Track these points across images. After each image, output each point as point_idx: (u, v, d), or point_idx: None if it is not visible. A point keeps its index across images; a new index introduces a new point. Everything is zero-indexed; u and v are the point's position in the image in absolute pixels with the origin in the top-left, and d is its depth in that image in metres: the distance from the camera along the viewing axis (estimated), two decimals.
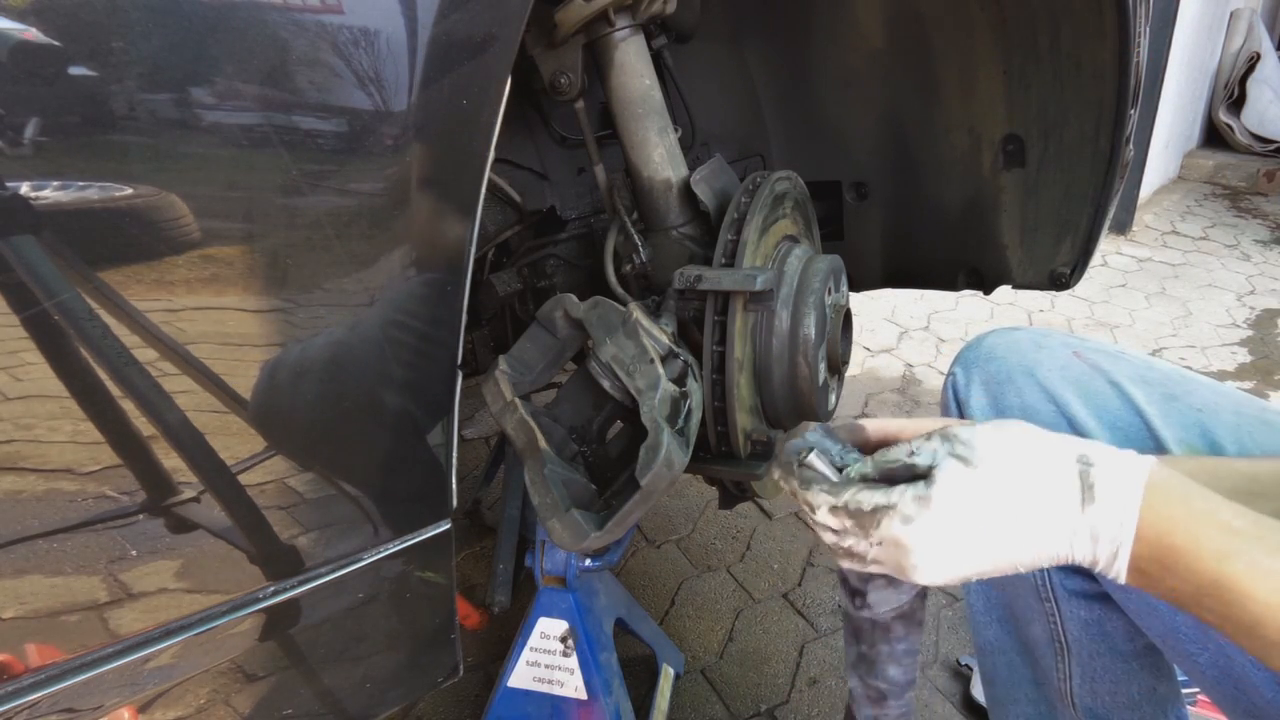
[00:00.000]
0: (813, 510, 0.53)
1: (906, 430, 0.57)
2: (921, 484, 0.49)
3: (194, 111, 0.46)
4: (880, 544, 0.49)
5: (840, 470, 0.54)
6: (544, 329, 0.86)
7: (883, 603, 0.53)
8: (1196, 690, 1.21)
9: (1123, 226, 3.87)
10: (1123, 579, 0.45)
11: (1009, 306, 3.03)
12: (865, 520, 0.50)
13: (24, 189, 0.42)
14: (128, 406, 0.49)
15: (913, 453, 0.50)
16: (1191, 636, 0.68)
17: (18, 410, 0.45)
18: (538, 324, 0.86)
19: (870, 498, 0.50)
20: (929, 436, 0.51)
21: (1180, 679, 0.83)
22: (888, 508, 0.49)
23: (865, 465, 0.53)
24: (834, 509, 0.51)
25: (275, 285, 0.51)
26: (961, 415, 0.82)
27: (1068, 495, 0.45)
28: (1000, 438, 0.48)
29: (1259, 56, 4.98)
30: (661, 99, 0.92)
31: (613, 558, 1.11)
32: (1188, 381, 0.71)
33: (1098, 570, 0.46)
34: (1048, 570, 0.85)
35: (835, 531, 0.52)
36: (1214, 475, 0.57)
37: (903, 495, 0.49)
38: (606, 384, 0.81)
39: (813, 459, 0.53)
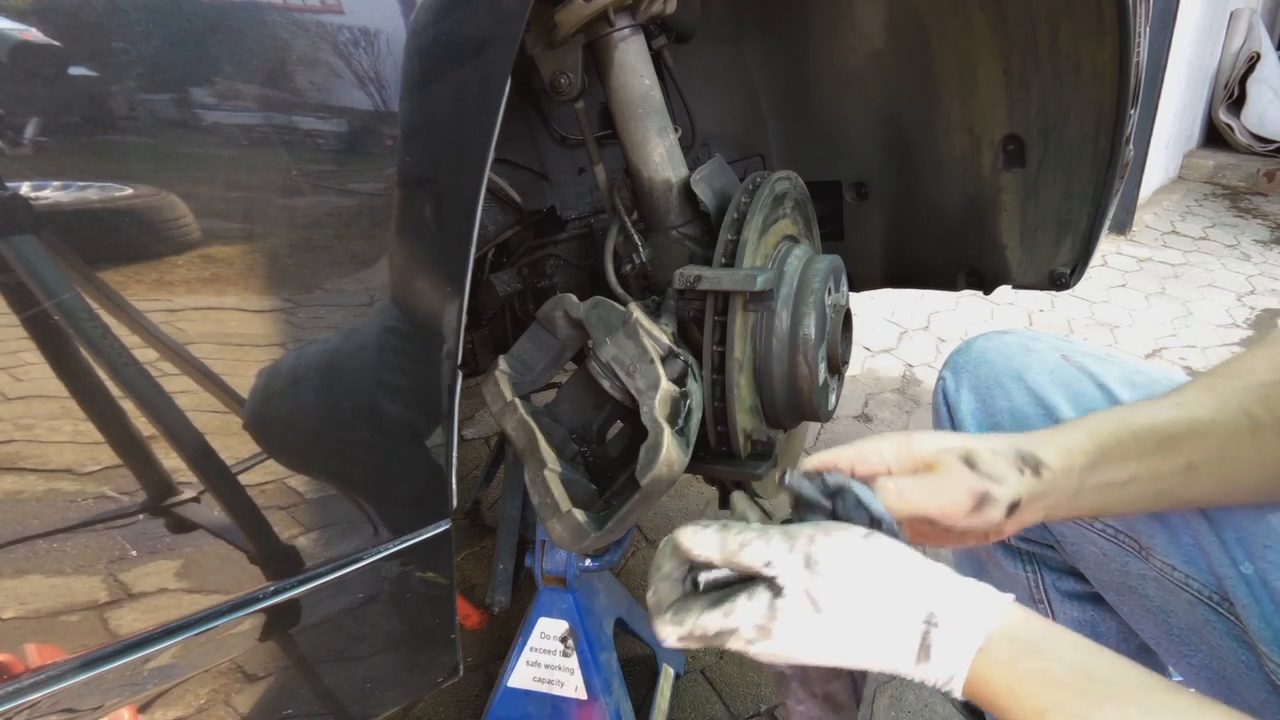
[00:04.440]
0: (664, 640, 0.52)
1: (842, 460, 0.59)
2: (766, 608, 0.48)
3: (194, 111, 0.46)
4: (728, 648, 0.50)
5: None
6: (544, 329, 0.86)
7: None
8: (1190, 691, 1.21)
9: (1123, 226, 3.87)
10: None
11: (1009, 306, 3.03)
12: (714, 640, 0.50)
13: (24, 189, 0.42)
14: (128, 406, 0.49)
15: (769, 563, 0.49)
16: (1184, 638, 0.68)
17: (18, 410, 0.45)
18: (538, 324, 0.86)
19: (714, 622, 0.49)
20: (791, 546, 0.49)
21: (1175, 679, 0.83)
22: (730, 632, 0.49)
23: (717, 571, 0.52)
24: (681, 638, 0.51)
25: (275, 285, 0.51)
26: (952, 419, 0.82)
27: (906, 653, 0.47)
28: (856, 580, 0.47)
29: (1259, 56, 4.98)
30: (661, 99, 0.92)
31: (613, 558, 1.11)
32: (1175, 384, 0.71)
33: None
34: (1040, 571, 0.85)
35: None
36: (1126, 425, 0.59)
37: (744, 620, 0.48)
38: (606, 384, 0.81)
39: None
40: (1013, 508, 0.55)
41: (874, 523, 0.52)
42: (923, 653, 0.46)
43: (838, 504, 0.53)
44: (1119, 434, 0.59)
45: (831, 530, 0.50)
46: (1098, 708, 0.41)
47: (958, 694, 0.46)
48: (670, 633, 0.51)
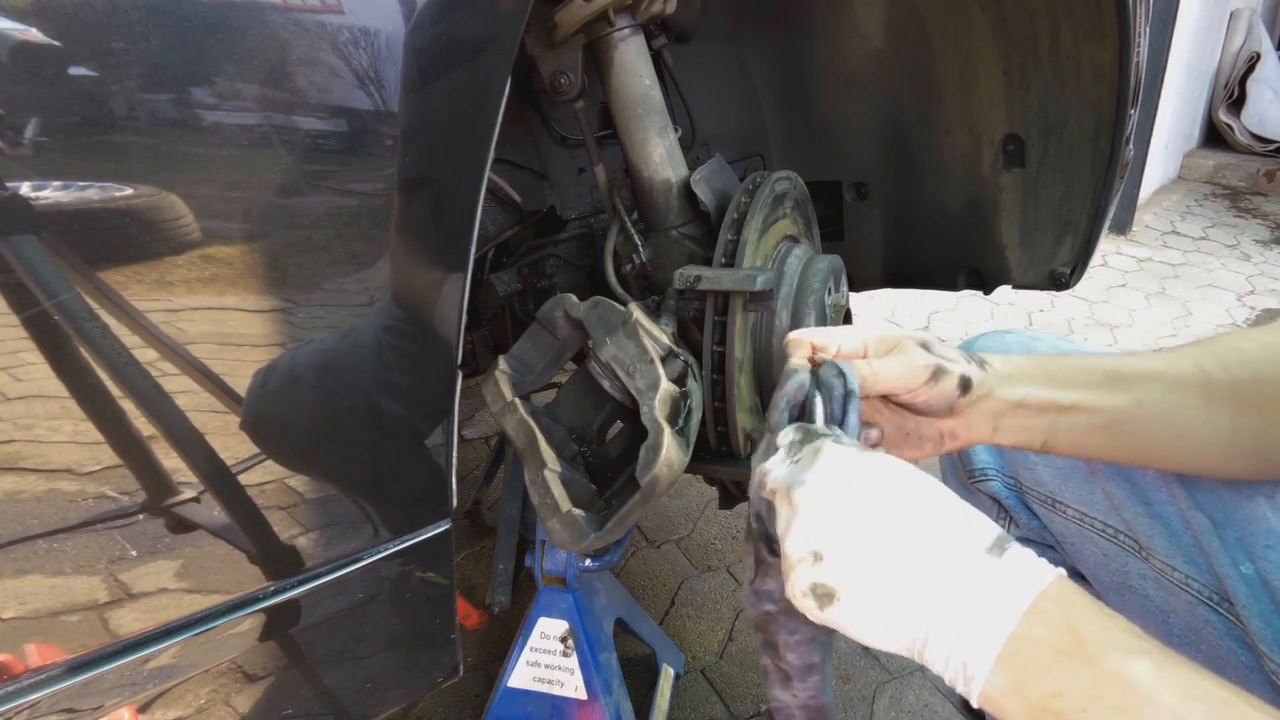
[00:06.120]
0: (773, 434, 0.53)
1: (831, 340, 0.60)
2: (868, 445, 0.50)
3: (194, 111, 0.46)
4: (799, 460, 0.49)
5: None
6: (544, 329, 0.86)
7: (764, 600, 0.54)
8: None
9: (1123, 226, 3.87)
10: (982, 676, 0.41)
11: (1009, 306, 3.03)
12: (797, 444, 0.50)
13: (24, 189, 0.42)
14: (128, 406, 0.49)
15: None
16: (1185, 638, 0.68)
17: (18, 410, 0.45)
18: (538, 324, 0.86)
19: (817, 430, 0.51)
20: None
21: None
22: (826, 435, 0.50)
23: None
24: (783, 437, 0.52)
25: (275, 285, 0.52)
26: None
27: (978, 538, 0.44)
28: (946, 492, 0.48)
29: (1259, 56, 4.98)
30: (661, 99, 0.92)
31: (613, 558, 1.11)
32: None
33: (949, 679, 0.43)
34: None
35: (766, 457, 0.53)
36: (1076, 359, 0.63)
37: (840, 435, 0.50)
38: (606, 384, 0.81)
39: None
40: (965, 385, 0.59)
41: (847, 395, 0.55)
42: (997, 546, 0.43)
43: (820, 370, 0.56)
44: (1066, 362, 0.63)
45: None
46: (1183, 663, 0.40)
47: (1013, 622, 0.40)
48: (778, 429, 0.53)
